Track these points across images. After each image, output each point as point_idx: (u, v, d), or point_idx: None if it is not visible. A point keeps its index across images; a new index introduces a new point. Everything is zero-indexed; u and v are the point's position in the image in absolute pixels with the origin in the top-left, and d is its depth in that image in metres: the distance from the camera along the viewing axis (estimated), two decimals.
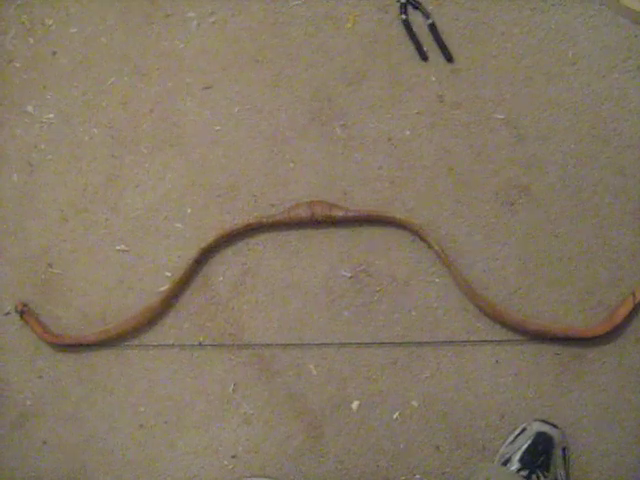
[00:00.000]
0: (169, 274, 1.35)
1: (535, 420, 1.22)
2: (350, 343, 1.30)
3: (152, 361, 1.33)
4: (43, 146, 1.44)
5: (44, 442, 1.33)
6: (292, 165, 1.38)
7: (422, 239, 1.30)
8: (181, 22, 1.47)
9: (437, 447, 1.25)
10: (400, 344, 1.29)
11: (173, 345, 1.33)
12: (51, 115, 1.46)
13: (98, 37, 1.48)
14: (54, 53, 1.49)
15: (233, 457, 1.29)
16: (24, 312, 1.34)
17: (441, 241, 1.31)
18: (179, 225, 1.38)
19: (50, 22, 1.50)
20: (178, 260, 1.35)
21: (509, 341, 1.27)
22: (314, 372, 1.30)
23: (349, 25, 1.44)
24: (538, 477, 1.15)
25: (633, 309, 1.24)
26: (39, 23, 1.51)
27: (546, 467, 1.17)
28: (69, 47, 1.49)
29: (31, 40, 1.50)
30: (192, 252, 1.32)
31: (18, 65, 1.49)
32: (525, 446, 1.19)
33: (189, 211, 1.38)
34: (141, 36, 1.48)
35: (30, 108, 1.47)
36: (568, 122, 1.35)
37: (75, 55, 1.48)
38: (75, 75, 1.47)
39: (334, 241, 1.34)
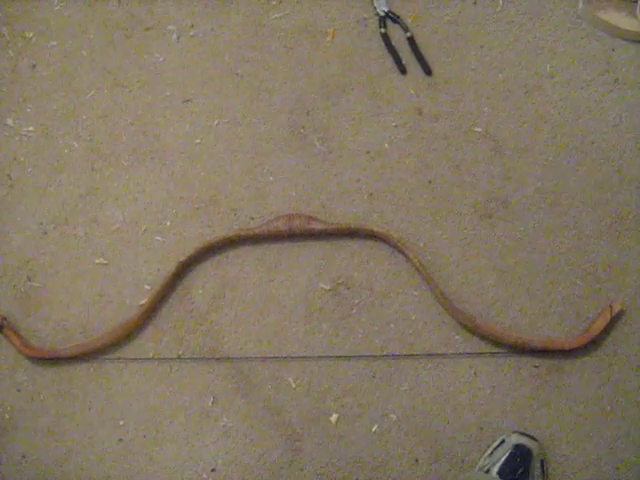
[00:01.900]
0: (148, 287, 1.35)
1: (513, 432, 1.22)
2: (329, 356, 1.30)
3: (131, 374, 1.32)
4: (23, 159, 1.44)
5: (23, 456, 1.32)
6: (271, 178, 1.38)
7: (400, 252, 1.30)
8: (161, 35, 1.48)
9: (416, 460, 1.25)
10: (379, 357, 1.29)
11: (152, 358, 1.32)
12: (31, 128, 1.46)
13: (78, 50, 1.49)
14: (34, 66, 1.49)
15: (212, 470, 1.28)
16: (3, 325, 1.33)
17: (419, 254, 1.31)
18: (158, 238, 1.38)
19: (30, 35, 1.51)
20: (157, 273, 1.35)
21: (487, 353, 1.27)
22: (293, 385, 1.30)
23: (328, 39, 1.44)
24: None
25: (610, 321, 1.24)
26: (19, 36, 1.51)
27: (525, 479, 1.17)
28: (49, 60, 1.49)
29: (11, 53, 1.50)
30: (171, 265, 1.32)
31: None
32: (504, 458, 1.19)
33: (169, 224, 1.38)
34: (121, 49, 1.48)
35: (10, 121, 1.46)
36: (546, 135, 1.36)
37: (55, 68, 1.48)
38: (55, 88, 1.47)
39: (313, 254, 1.34)
